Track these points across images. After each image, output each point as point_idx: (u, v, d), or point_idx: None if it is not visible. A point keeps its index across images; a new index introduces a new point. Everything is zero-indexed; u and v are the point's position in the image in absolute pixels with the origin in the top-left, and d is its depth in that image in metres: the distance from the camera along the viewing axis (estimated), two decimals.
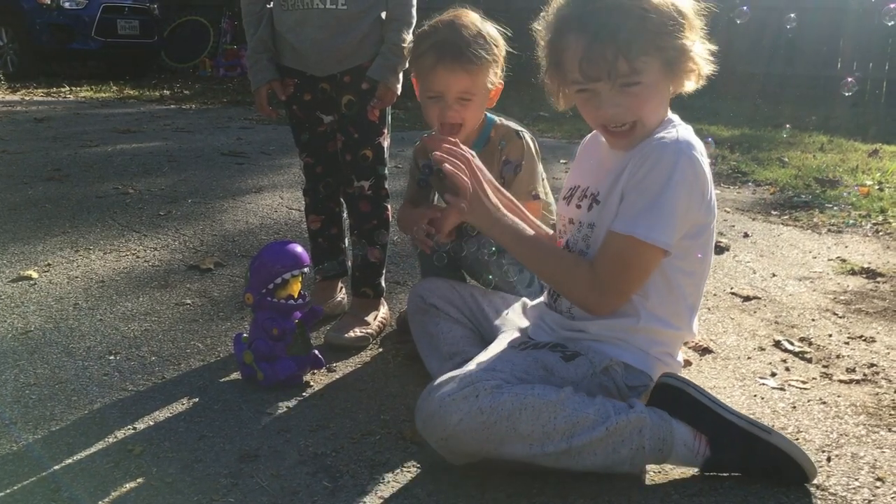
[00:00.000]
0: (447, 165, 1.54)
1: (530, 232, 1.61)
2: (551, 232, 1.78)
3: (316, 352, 1.93)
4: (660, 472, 1.51)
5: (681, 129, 1.53)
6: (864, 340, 2.22)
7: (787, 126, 5.31)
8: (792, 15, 6.89)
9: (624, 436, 1.42)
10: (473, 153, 1.63)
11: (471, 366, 1.52)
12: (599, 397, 1.47)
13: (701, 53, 1.51)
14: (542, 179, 2.05)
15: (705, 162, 1.51)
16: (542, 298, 1.77)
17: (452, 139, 1.65)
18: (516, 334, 1.75)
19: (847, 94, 7.27)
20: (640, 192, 1.47)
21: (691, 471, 1.50)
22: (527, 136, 2.03)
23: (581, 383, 1.50)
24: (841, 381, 1.95)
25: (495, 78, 1.96)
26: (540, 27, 1.56)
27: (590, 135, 1.72)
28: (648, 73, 1.47)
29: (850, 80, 5.53)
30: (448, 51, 1.87)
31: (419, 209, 2.01)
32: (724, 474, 1.49)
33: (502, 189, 1.72)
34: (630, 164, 1.50)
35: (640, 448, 1.43)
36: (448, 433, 1.39)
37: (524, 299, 1.90)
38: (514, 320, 1.83)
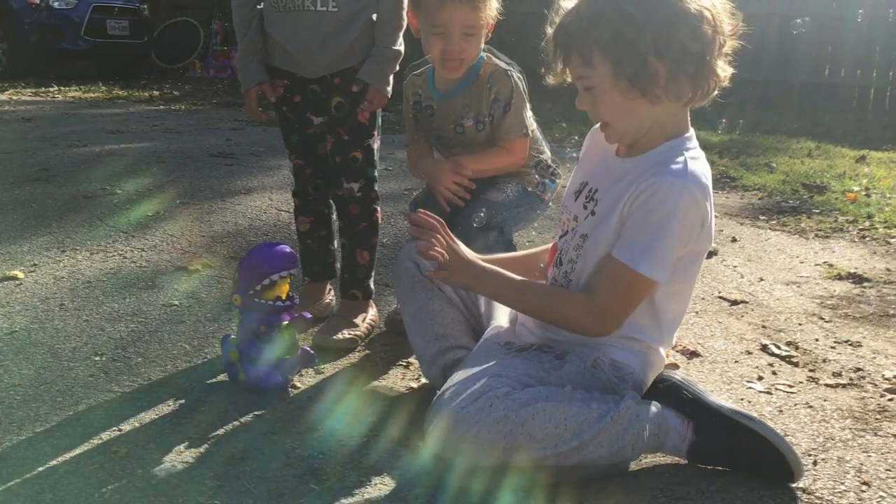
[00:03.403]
0: (421, 246, 1.58)
1: (516, 277, 1.62)
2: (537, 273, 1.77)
3: (306, 347, 1.92)
4: (649, 474, 1.51)
5: (691, 160, 1.48)
6: (851, 345, 2.24)
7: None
8: (799, 20, 6.97)
9: (625, 423, 1.45)
10: (442, 221, 1.65)
11: (469, 371, 1.52)
12: (597, 393, 1.50)
13: (677, 78, 1.44)
14: (530, 116, 2.13)
15: (708, 192, 1.49)
16: None
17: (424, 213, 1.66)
18: (503, 326, 1.76)
19: None
20: (642, 226, 1.47)
21: (680, 474, 1.51)
22: (515, 73, 2.09)
23: (577, 379, 1.53)
24: (827, 385, 1.96)
25: (493, 13, 2.03)
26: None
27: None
28: (596, 77, 1.48)
29: None
30: None
31: (431, 162, 2.18)
32: (714, 479, 1.49)
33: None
34: (634, 187, 1.48)
35: (640, 433, 1.47)
36: (466, 446, 1.40)
37: None
38: (501, 317, 1.82)
